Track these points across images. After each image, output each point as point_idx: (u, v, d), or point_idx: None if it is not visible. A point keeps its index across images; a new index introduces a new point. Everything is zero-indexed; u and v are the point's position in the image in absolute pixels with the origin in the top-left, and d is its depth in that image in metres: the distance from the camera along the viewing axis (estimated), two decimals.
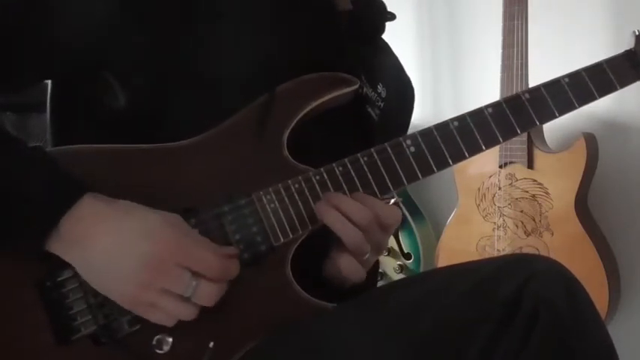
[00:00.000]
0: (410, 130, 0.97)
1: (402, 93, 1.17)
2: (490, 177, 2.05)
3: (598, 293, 1.86)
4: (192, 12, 0.92)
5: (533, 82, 1.86)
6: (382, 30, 1.11)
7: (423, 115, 2.38)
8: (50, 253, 0.80)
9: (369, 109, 1.04)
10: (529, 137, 1.95)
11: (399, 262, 2.38)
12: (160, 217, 0.81)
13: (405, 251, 2.38)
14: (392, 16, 1.09)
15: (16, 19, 0.87)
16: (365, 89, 1.03)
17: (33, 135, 1.32)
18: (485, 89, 2.09)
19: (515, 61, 1.92)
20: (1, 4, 0.87)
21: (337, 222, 0.88)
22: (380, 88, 1.07)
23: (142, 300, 0.79)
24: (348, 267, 0.90)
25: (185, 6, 0.92)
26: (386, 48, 1.17)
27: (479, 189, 2.09)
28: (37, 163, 0.83)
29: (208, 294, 0.80)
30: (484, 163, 2.05)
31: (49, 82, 0.99)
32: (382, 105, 1.08)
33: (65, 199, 0.79)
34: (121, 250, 0.79)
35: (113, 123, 0.94)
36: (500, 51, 1.96)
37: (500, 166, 2.01)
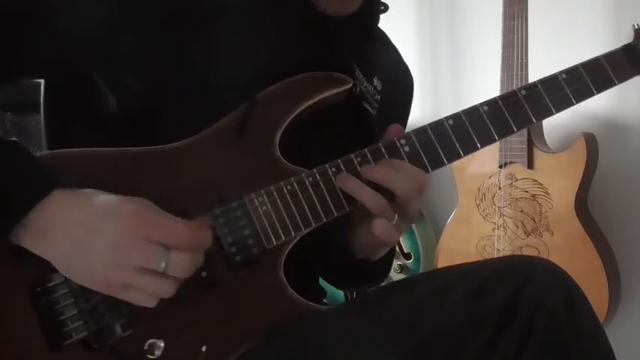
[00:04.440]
0: (408, 129, 0.96)
1: (400, 83, 1.17)
2: (490, 177, 2.05)
3: (598, 293, 1.86)
4: (189, 14, 0.92)
5: None
6: (376, 22, 1.10)
7: (424, 115, 2.37)
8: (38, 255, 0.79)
9: (366, 105, 1.04)
10: (529, 137, 1.94)
11: (399, 262, 2.38)
12: (123, 197, 0.79)
13: (405, 251, 2.38)
14: (385, 7, 1.08)
15: (17, 17, 0.87)
16: (359, 87, 1.02)
17: (32, 135, 1.31)
18: (485, 89, 2.08)
19: (515, 61, 1.92)
20: (3, 3, 0.87)
21: (357, 188, 0.87)
22: (375, 81, 1.07)
23: (116, 282, 0.77)
24: (380, 229, 0.89)
25: (183, 8, 0.92)
26: (382, 38, 1.16)
27: (479, 189, 2.08)
28: (10, 158, 0.81)
29: (182, 264, 0.77)
30: (484, 163, 2.04)
31: (42, 83, 0.99)
32: (379, 98, 1.07)
33: (33, 195, 0.78)
34: (86, 234, 0.77)
35: (108, 125, 0.94)
36: (500, 51, 1.95)
37: (500, 166, 2.01)
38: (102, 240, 0.76)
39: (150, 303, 0.79)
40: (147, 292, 0.78)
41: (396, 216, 0.89)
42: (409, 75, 1.19)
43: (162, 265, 0.76)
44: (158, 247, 0.76)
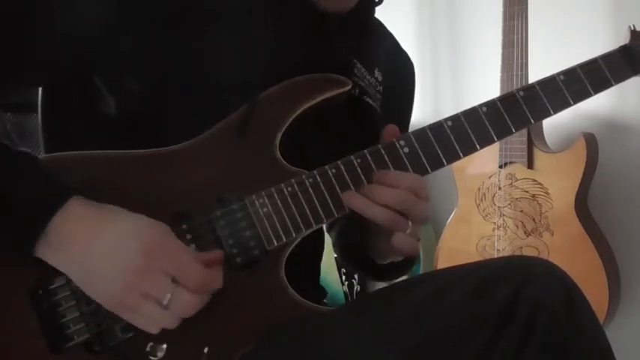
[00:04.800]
0: (409, 129, 0.96)
1: (400, 71, 1.17)
2: (490, 177, 2.05)
3: (598, 293, 1.86)
4: (189, 14, 0.92)
5: None
6: (372, 15, 1.11)
7: (424, 115, 2.37)
8: (39, 258, 0.80)
9: (367, 99, 1.04)
10: (529, 137, 1.94)
11: None
12: (147, 220, 0.81)
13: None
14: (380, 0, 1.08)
15: (17, 17, 0.87)
16: (360, 84, 1.02)
17: (33, 136, 1.31)
18: (485, 89, 2.09)
19: (515, 61, 1.92)
20: (2, 3, 0.87)
21: (365, 206, 0.88)
22: (376, 72, 1.07)
23: (125, 303, 0.78)
24: (400, 243, 0.89)
25: (183, 8, 0.92)
26: (380, 28, 1.16)
27: (479, 189, 2.08)
28: (24, 167, 0.82)
29: (185, 304, 0.78)
30: (484, 163, 2.04)
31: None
32: (381, 89, 1.07)
33: (52, 203, 0.78)
34: (109, 251, 0.78)
35: (108, 126, 0.94)
36: (500, 51, 1.95)
37: (500, 166, 2.00)
38: (123, 261, 0.77)
39: (153, 330, 0.80)
40: (150, 320, 0.79)
41: (410, 223, 0.89)
42: (409, 61, 1.20)
43: (167, 297, 0.77)
44: (168, 280, 0.77)
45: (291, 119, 0.91)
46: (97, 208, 0.80)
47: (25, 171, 0.81)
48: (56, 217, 0.78)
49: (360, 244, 1.02)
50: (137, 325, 0.80)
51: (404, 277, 1.04)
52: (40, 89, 0.99)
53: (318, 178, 0.89)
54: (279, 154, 0.90)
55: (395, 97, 1.10)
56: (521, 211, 1.99)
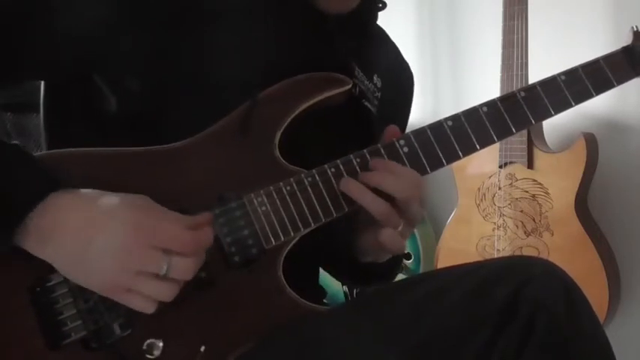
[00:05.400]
0: (408, 129, 0.96)
1: (399, 79, 1.17)
2: (490, 177, 2.05)
3: (598, 293, 1.86)
4: (189, 14, 0.92)
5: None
6: (374, 19, 1.11)
7: (424, 115, 2.37)
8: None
9: (366, 103, 1.04)
10: (529, 137, 1.94)
11: None
12: (124, 200, 0.79)
13: (405, 251, 2.37)
14: (383, 5, 1.08)
15: (16, 17, 0.87)
16: (359, 87, 1.02)
17: (32, 135, 1.31)
18: (485, 89, 2.09)
19: (515, 61, 1.92)
20: (2, 3, 0.87)
21: (360, 193, 0.87)
22: (375, 78, 1.07)
23: (118, 285, 0.77)
24: (387, 238, 0.89)
25: (183, 8, 0.92)
26: (381, 35, 1.16)
27: (479, 189, 2.08)
28: (9, 160, 0.81)
29: (183, 268, 0.77)
30: (484, 163, 2.04)
31: (42, 83, 0.99)
32: (379, 95, 1.07)
33: (33, 196, 0.78)
34: (90, 239, 0.77)
35: (108, 125, 0.94)
36: (500, 51, 1.95)
37: (500, 166, 2.00)
38: (105, 245, 0.76)
39: (149, 308, 0.79)
40: (147, 297, 0.78)
41: (402, 220, 0.89)
42: (409, 71, 1.19)
43: (164, 268, 0.76)
44: (159, 252, 0.76)
45: (290, 118, 0.91)
46: (77, 195, 0.79)
47: (9, 164, 0.80)
48: (36, 210, 0.77)
49: (342, 240, 1.00)
50: (132, 306, 0.79)
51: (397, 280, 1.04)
52: (43, 89, 0.99)
53: (317, 178, 0.89)
54: (278, 153, 0.90)
55: (392, 106, 1.10)
56: (521, 211, 1.99)
